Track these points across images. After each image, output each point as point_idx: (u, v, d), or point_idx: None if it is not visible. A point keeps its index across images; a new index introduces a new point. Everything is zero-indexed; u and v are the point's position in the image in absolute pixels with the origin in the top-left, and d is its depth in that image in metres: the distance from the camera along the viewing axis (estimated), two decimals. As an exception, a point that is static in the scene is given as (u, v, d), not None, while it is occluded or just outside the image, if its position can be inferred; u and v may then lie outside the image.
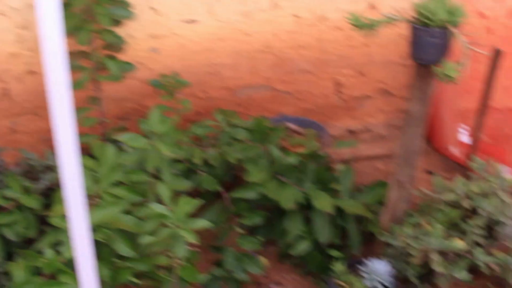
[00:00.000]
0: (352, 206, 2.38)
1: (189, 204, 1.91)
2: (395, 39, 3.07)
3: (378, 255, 2.32)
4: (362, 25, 1.91)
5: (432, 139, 3.40)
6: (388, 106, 3.35)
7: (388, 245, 2.29)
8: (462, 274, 2.12)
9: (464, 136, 2.94)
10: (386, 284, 2.18)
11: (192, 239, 1.87)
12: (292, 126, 2.93)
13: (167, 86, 2.49)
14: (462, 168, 2.70)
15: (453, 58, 1.89)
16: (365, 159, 3.26)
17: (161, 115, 2.11)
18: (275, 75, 2.97)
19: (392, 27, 3.00)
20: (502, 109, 3.02)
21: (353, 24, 1.92)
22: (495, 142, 3.09)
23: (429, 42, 1.85)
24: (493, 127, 3.07)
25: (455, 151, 3.23)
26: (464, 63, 1.78)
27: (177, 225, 1.87)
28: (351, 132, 3.34)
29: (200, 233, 1.93)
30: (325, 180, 2.46)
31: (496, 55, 2.39)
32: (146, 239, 1.86)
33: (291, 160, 2.41)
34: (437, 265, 2.10)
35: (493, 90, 2.52)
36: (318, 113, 3.20)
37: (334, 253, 2.33)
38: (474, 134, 2.63)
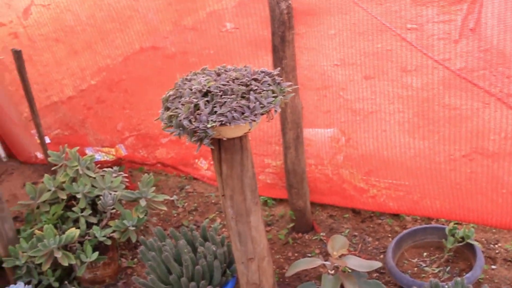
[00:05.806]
0: None
1: None
2: None
3: (10, 282, 2.27)
4: None
5: (17, 154, 3.40)
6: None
7: (17, 267, 2.25)
8: (92, 256, 2.22)
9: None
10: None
11: None
12: None
13: None
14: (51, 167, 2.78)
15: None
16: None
17: None
18: None
19: None
20: (64, 100, 3.18)
21: None
22: (73, 131, 3.26)
23: None
24: (66, 118, 3.22)
25: (40, 155, 3.30)
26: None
27: None
28: None
29: None
30: None
31: (18, 56, 2.50)
32: None
33: None
34: (63, 260, 2.16)
35: (30, 85, 2.62)
36: None
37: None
38: (39, 133, 2.71)
